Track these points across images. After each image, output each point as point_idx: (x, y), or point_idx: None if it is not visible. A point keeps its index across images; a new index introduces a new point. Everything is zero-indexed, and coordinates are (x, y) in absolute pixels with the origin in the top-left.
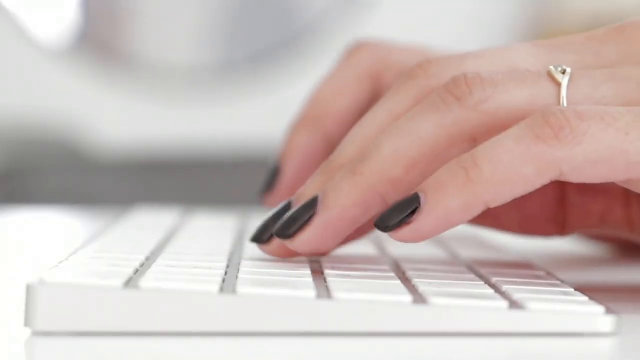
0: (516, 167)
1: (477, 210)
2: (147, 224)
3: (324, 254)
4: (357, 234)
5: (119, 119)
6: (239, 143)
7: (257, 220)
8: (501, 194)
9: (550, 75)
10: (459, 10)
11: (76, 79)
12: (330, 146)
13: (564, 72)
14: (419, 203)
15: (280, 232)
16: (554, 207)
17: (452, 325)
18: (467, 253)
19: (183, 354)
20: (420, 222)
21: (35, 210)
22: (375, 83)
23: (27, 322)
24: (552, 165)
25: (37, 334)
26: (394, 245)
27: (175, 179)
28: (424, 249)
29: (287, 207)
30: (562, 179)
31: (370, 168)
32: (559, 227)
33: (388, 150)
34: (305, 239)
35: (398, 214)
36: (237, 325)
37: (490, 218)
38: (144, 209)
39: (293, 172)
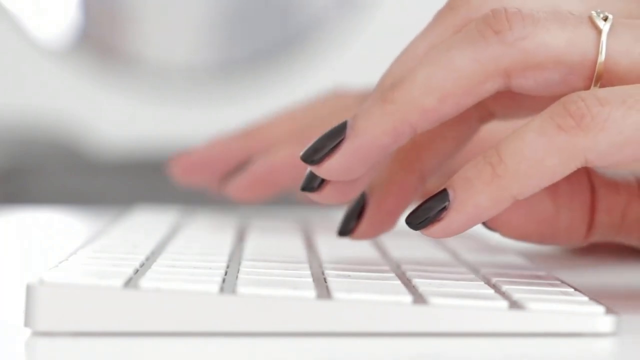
0: (541, 159)
1: (506, 204)
2: (147, 224)
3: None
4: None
5: (119, 119)
6: None
7: (257, 220)
8: (528, 187)
9: (591, 21)
10: None
11: (76, 79)
12: (248, 158)
13: (605, 19)
14: (448, 200)
15: (307, 156)
16: (587, 204)
17: (452, 325)
18: (467, 253)
19: (183, 354)
20: (451, 219)
21: (35, 210)
22: None
23: (27, 322)
24: (577, 154)
25: (37, 334)
26: (394, 245)
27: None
28: (424, 250)
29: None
30: (589, 165)
31: (402, 96)
32: (587, 227)
33: (421, 80)
34: (333, 165)
35: (428, 212)
36: (237, 325)
37: (545, 225)
38: (144, 209)
39: (201, 155)
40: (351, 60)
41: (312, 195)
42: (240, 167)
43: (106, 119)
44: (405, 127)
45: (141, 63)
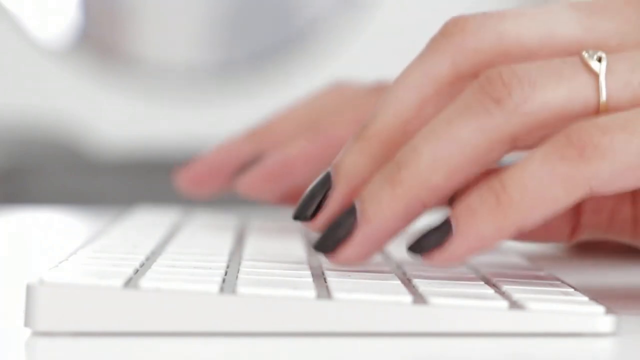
0: (545, 190)
1: (510, 234)
2: (147, 224)
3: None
4: None
5: (119, 119)
6: None
7: (256, 220)
8: (532, 217)
9: (585, 65)
10: (459, 10)
11: (76, 79)
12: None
13: (599, 60)
14: (451, 229)
15: (320, 247)
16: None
17: (452, 325)
18: None
19: (183, 354)
20: (453, 248)
21: (35, 210)
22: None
23: (27, 322)
24: (581, 183)
25: (37, 334)
26: (394, 245)
27: (175, 179)
28: None
29: (326, 179)
30: (595, 194)
31: (410, 177)
32: (572, 228)
33: (427, 158)
34: (349, 253)
35: (431, 241)
36: (237, 325)
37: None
38: (144, 209)
39: (210, 162)
40: (351, 60)
41: (307, 225)
42: (251, 163)
43: (106, 119)
44: (416, 207)
45: (141, 63)
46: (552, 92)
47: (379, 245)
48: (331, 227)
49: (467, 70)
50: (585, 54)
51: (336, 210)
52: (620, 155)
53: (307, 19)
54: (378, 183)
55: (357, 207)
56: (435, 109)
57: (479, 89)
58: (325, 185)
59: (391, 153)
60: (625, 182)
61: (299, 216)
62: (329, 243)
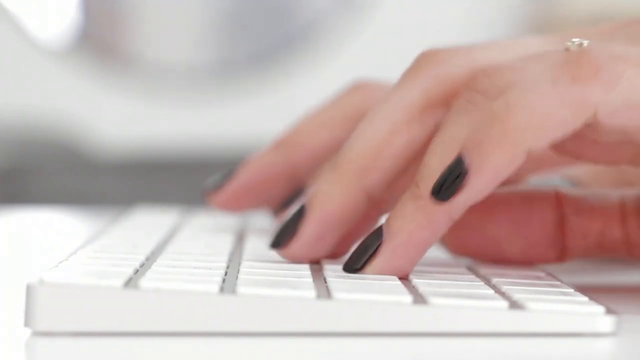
0: (553, 111)
1: (522, 159)
2: (147, 224)
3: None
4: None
5: (119, 119)
6: (238, 143)
7: (256, 220)
8: (540, 139)
9: (567, 50)
10: (459, 10)
11: (76, 79)
12: (294, 174)
13: (581, 46)
14: (466, 166)
15: (348, 266)
16: (554, 230)
17: (452, 325)
18: None
19: (183, 354)
20: (472, 183)
21: (35, 210)
22: None
23: (27, 322)
24: (589, 107)
25: (37, 334)
26: None
27: (175, 179)
28: None
29: (301, 210)
30: (596, 120)
31: (424, 189)
32: (559, 252)
33: (436, 167)
34: (380, 265)
35: (449, 182)
36: (237, 325)
37: (493, 251)
38: (144, 209)
39: (245, 181)
40: (351, 60)
41: (281, 253)
42: (291, 198)
43: (106, 119)
44: (440, 216)
45: (141, 63)
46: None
47: (413, 260)
48: (286, 225)
49: (437, 97)
50: (568, 44)
51: (311, 238)
52: (632, 87)
53: (307, 19)
54: (402, 203)
55: (385, 228)
56: (407, 136)
57: (465, 89)
58: (299, 215)
59: (365, 180)
60: (628, 118)
61: (274, 245)
62: (283, 238)
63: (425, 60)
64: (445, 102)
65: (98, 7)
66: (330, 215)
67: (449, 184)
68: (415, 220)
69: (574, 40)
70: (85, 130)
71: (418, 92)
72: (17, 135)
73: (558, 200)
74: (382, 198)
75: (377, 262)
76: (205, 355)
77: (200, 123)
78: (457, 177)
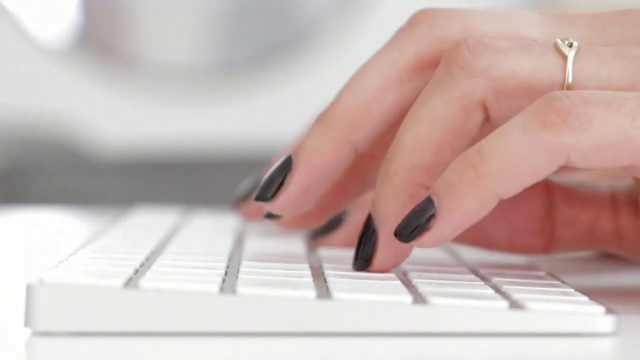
0: (525, 157)
1: (492, 204)
2: (147, 224)
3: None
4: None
5: (119, 118)
6: (238, 143)
7: (256, 220)
8: (512, 185)
9: (556, 48)
10: None
11: (76, 78)
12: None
13: (570, 46)
14: (434, 208)
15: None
16: (542, 218)
17: (452, 325)
18: (468, 253)
19: (183, 354)
20: (439, 226)
21: (35, 210)
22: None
23: (27, 322)
24: (561, 151)
25: (37, 334)
26: None
27: (175, 179)
28: (424, 250)
29: (287, 162)
30: (569, 164)
31: (401, 165)
32: (546, 241)
33: (410, 142)
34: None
35: (415, 223)
36: (237, 325)
37: (478, 235)
38: (144, 209)
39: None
40: (351, 60)
41: (267, 206)
42: (335, 221)
43: (106, 119)
44: (418, 191)
45: (141, 63)
46: (518, 61)
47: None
48: (270, 177)
49: (430, 57)
50: (558, 40)
51: (297, 192)
52: (603, 129)
53: (307, 19)
54: (379, 183)
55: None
56: (398, 94)
57: (446, 61)
58: (286, 168)
59: (352, 134)
60: (601, 159)
61: (259, 198)
62: (269, 191)
63: (421, 19)
64: (436, 64)
65: (98, 7)
66: (317, 169)
67: (415, 222)
68: (397, 200)
69: (563, 39)
70: (85, 130)
71: (411, 51)
72: (17, 135)
73: (548, 189)
74: (369, 154)
75: (380, 252)
76: (205, 355)
77: (200, 123)
78: (426, 218)
